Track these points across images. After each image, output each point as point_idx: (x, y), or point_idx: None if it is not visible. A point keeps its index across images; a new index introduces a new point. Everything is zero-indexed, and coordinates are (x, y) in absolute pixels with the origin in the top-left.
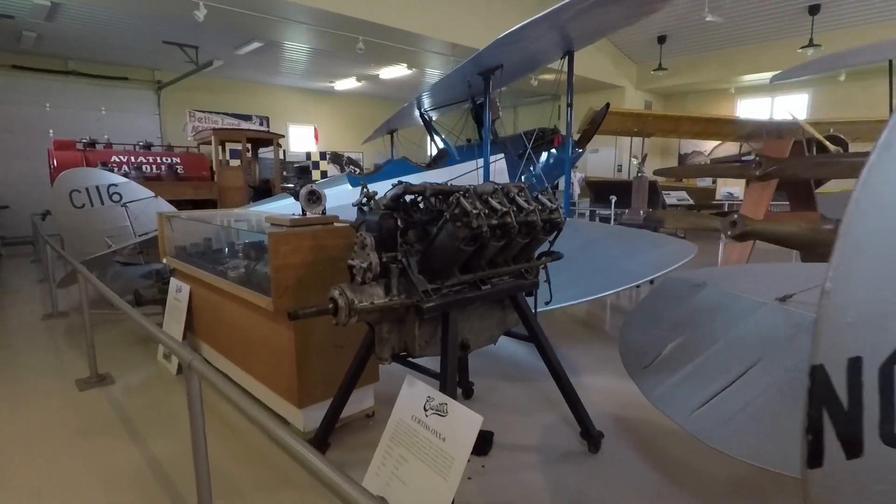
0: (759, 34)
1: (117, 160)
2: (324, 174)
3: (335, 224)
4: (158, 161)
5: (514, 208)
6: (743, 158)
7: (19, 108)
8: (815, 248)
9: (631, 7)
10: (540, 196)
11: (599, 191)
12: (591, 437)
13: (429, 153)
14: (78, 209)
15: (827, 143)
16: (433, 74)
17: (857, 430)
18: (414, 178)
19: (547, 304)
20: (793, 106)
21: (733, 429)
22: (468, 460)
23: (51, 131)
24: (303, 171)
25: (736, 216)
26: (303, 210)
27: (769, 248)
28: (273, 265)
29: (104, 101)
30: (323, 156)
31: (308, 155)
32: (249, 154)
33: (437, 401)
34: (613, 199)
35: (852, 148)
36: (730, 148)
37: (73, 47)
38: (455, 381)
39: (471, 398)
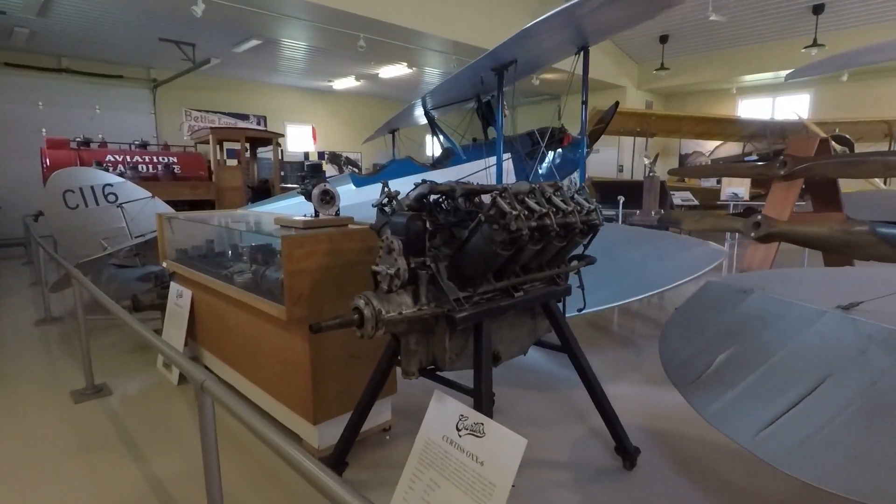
0: (761, 34)
1: (112, 159)
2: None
3: (350, 226)
4: (155, 161)
5: (553, 209)
6: (747, 158)
7: (11, 107)
8: (848, 251)
9: (651, 2)
10: (576, 196)
11: (606, 191)
12: (627, 453)
13: (429, 152)
14: (72, 210)
15: (833, 143)
16: (433, 73)
17: None
18: (419, 178)
19: (581, 310)
20: (793, 106)
21: (809, 453)
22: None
23: (43, 130)
24: (315, 170)
25: (759, 217)
26: (315, 211)
27: (790, 249)
28: (287, 270)
29: (98, 100)
30: (321, 156)
31: (306, 155)
32: (248, 154)
33: (472, 420)
34: (621, 199)
35: (858, 148)
36: (731, 148)
37: (66, 44)
38: (491, 398)
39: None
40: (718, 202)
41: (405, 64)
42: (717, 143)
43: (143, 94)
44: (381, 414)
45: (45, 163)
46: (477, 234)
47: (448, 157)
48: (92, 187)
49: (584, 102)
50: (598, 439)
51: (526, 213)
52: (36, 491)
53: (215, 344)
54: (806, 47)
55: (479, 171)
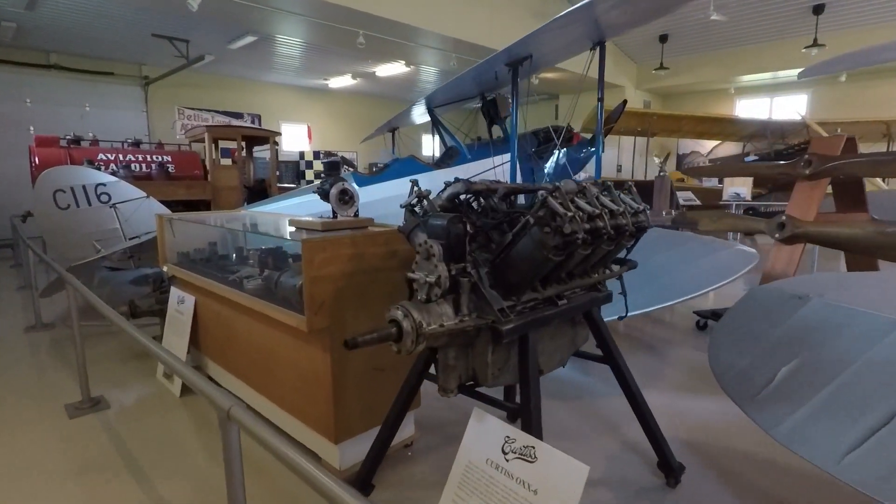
0: (761, 34)
1: (104, 158)
2: (318, 174)
3: (370, 228)
4: (148, 159)
5: (606, 210)
6: (747, 159)
7: None
8: (879, 253)
9: None
10: (623, 196)
11: None
12: (672, 470)
13: (430, 151)
14: (62, 210)
15: None
16: (430, 72)
17: None
18: (423, 178)
19: (622, 318)
20: (791, 107)
21: None
22: None
23: (31, 128)
24: (332, 167)
25: (784, 217)
26: (333, 212)
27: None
28: (307, 277)
29: (88, 97)
30: (316, 155)
31: (301, 154)
32: (244, 152)
33: (521, 442)
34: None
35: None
36: (730, 148)
37: (55, 39)
38: (540, 418)
39: (516, 420)
40: (720, 202)
41: (403, 62)
42: (715, 142)
43: (135, 91)
44: (404, 429)
45: (34, 161)
46: (524, 237)
47: (452, 157)
48: (84, 187)
49: (601, 99)
50: (634, 453)
51: (580, 214)
52: None
53: (220, 353)
54: (806, 47)
55: (486, 171)
